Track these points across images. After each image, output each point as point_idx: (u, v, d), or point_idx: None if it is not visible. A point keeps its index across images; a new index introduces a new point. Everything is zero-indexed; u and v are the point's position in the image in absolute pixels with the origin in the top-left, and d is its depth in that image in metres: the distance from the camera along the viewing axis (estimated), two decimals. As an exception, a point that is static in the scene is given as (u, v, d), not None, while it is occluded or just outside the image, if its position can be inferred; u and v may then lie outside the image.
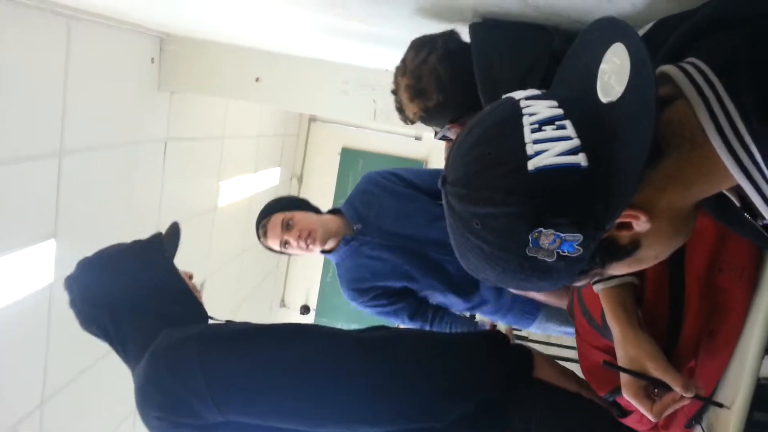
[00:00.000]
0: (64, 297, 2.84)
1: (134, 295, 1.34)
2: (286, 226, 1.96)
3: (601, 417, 1.20)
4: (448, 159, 0.74)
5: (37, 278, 2.67)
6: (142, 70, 3.39)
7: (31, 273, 2.62)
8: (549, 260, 0.67)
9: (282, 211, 2.01)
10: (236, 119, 5.09)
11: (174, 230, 1.53)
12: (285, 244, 1.96)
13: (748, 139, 0.60)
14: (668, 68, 0.68)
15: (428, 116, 1.59)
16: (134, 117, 3.41)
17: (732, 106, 0.60)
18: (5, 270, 2.45)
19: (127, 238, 3.58)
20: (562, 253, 0.66)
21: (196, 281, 1.59)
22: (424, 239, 1.96)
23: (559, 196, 0.64)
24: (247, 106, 5.24)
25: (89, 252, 3.09)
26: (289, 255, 2.10)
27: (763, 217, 0.69)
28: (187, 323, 1.27)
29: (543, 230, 0.64)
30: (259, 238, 2.04)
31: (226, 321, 1.30)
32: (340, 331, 1.25)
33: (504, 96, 0.73)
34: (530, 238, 0.65)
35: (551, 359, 1.33)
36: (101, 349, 3.73)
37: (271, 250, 2.05)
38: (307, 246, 1.94)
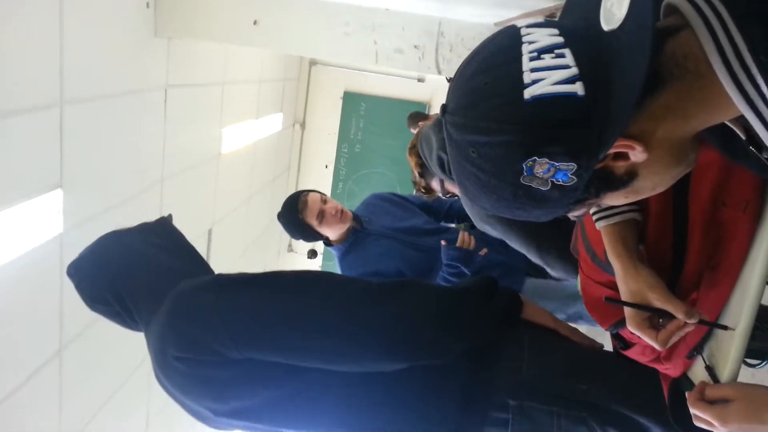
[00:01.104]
0: (75, 245, 2.87)
1: (147, 257, 1.39)
2: (324, 202, 2.32)
3: (586, 349, 1.31)
4: (450, 87, 0.74)
5: (46, 228, 2.70)
6: (138, 15, 3.32)
7: (40, 223, 2.65)
8: (543, 189, 0.68)
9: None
10: (236, 64, 5.02)
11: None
12: (321, 213, 2.28)
13: (754, 70, 0.59)
14: (676, 0, 0.67)
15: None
16: (133, 64, 3.36)
17: (739, 37, 0.59)
18: (14, 221, 2.48)
19: (133, 186, 3.59)
20: (556, 182, 0.67)
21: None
22: (420, 231, 2.31)
23: (554, 124, 0.64)
24: (247, 51, 5.15)
25: (96, 200, 3.12)
26: (312, 239, 2.39)
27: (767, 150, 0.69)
28: (199, 276, 1.32)
29: (537, 159, 0.65)
30: (297, 212, 2.30)
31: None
32: (351, 278, 1.32)
33: (509, 24, 0.73)
34: (524, 166, 0.66)
35: (535, 305, 1.40)
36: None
37: (302, 225, 2.31)
38: (341, 217, 2.28)
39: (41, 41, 2.56)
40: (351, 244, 2.33)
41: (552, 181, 0.67)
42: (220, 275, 1.27)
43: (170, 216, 1.62)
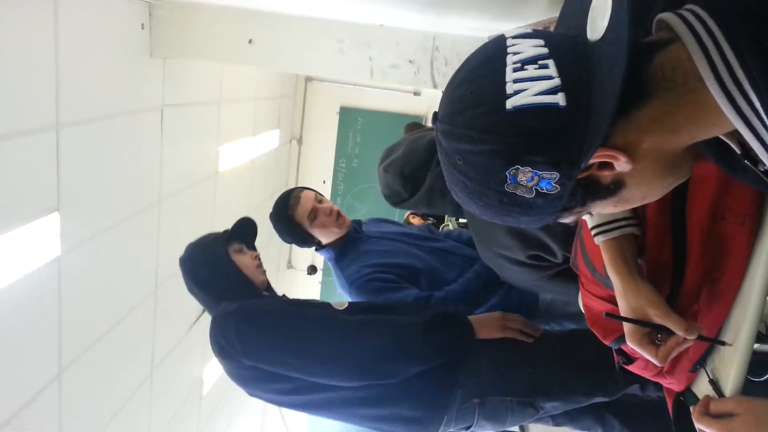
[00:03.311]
0: (73, 268, 2.86)
1: (205, 272, 1.89)
2: (318, 201, 2.14)
3: (537, 351, 1.70)
4: (442, 95, 0.76)
5: (43, 252, 2.69)
6: (133, 36, 3.33)
7: (37, 247, 2.64)
8: (528, 197, 0.69)
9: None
10: (232, 83, 5.03)
11: (244, 222, 2.05)
12: (314, 212, 2.09)
13: (747, 86, 0.59)
14: (666, 15, 0.67)
15: None
16: (128, 85, 3.37)
17: (731, 54, 0.59)
18: (11, 245, 2.47)
19: (130, 207, 3.59)
20: (540, 190, 0.68)
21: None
22: (420, 237, 2.20)
23: (536, 134, 0.65)
24: (243, 69, 5.17)
25: (93, 222, 3.10)
26: (303, 242, 2.19)
27: (763, 163, 0.69)
28: (238, 294, 1.81)
29: (520, 167, 0.66)
30: (287, 209, 2.13)
31: (272, 296, 1.94)
32: (333, 315, 1.74)
33: (498, 34, 0.73)
34: (508, 174, 0.67)
35: (487, 319, 1.77)
36: (114, 317, 3.78)
37: (292, 224, 2.13)
38: (337, 218, 2.10)
39: (36, 64, 2.56)
40: (345, 245, 2.12)
41: (536, 189, 0.68)
42: (242, 307, 1.74)
43: (244, 221, 2.05)
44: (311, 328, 1.68)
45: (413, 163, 1.70)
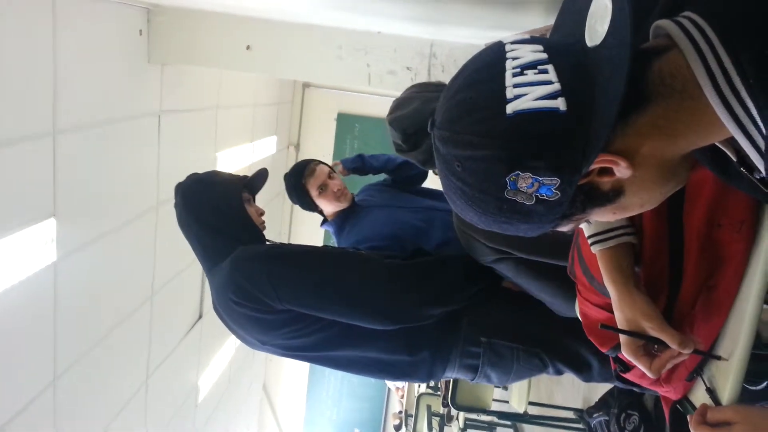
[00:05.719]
0: (69, 273, 2.85)
1: (211, 214, 1.77)
2: (330, 177, 2.40)
3: (544, 310, 1.63)
4: (439, 102, 0.75)
5: (39, 257, 2.68)
6: (131, 43, 3.34)
7: (33, 252, 2.63)
8: (528, 203, 0.68)
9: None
10: (230, 89, 5.04)
11: (261, 174, 1.96)
12: (324, 186, 2.35)
13: (744, 93, 0.59)
14: (664, 22, 0.67)
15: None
16: (126, 91, 3.37)
17: (728, 60, 0.59)
18: (7, 251, 2.46)
19: (127, 213, 3.59)
20: (540, 197, 0.67)
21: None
22: (410, 208, 2.34)
23: (536, 139, 0.64)
24: (241, 75, 5.18)
25: (90, 227, 3.09)
26: (308, 207, 2.44)
27: (759, 171, 0.69)
28: (245, 241, 1.71)
29: (520, 173, 0.65)
30: (301, 177, 2.39)
31: (280, 243, 1.79)
32: (364, 258, 1.71)
33: (496, 40, 0.73)
34: (508, 180, 0.66)
35: None
36: (110, 324, 3.76)
37: (302, 191, 2.38)
38: (340, 196, 2.35)
39: (34, 70, 2.56)
40: (344, 218, 2.36)
41: (536, 196, 0.67)
42: (270, 249, 1.66)
43: (263, 173, 1.96)
44: (346, 270, 1.63)
45: (417, 124, 1.75)
